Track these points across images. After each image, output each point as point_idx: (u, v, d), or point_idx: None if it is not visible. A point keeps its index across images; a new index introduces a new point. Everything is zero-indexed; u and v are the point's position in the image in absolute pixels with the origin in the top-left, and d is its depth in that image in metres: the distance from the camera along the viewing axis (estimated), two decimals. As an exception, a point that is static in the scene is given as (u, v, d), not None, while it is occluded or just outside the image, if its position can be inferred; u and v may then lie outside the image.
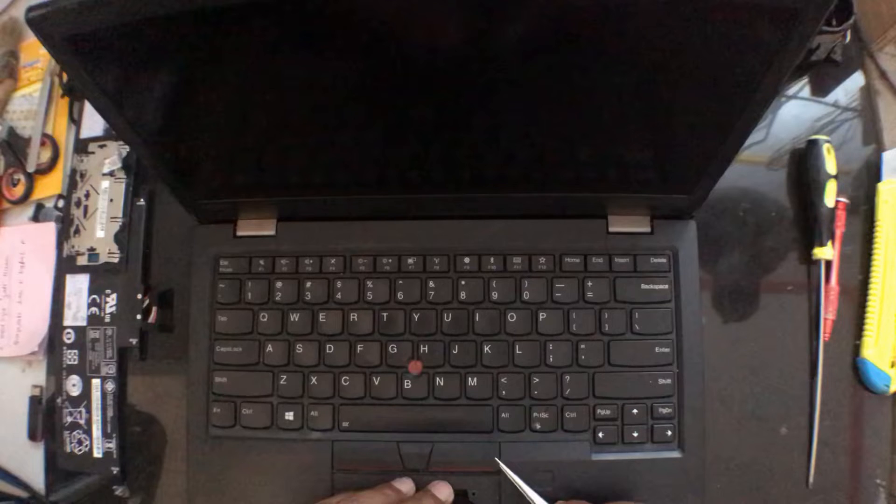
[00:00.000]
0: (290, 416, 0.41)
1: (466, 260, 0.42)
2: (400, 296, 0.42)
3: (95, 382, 0.45)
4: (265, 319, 0.42)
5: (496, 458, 0.39)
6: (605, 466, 0.40)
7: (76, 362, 0.46)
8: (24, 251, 0.49)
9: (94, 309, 0.46)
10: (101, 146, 0.48)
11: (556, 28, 0.28)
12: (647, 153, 0.37)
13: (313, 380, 0.41)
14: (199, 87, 0.32)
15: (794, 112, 0.47)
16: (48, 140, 0.50)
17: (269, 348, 0.42)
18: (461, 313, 0.42)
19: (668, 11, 0.26)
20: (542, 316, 0.41)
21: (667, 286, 0.41)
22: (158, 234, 0.47)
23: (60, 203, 0.49)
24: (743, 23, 0.27)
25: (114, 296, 0.46)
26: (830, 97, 0.47)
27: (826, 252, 0.43)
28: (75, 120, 0.50)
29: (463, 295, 0.42)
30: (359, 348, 0.41)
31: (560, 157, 0.38)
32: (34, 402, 0.46)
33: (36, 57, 0.53)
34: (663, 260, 0.42)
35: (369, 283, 0.42)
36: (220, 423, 0.42)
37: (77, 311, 0.46)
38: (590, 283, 0.41)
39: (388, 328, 0.42)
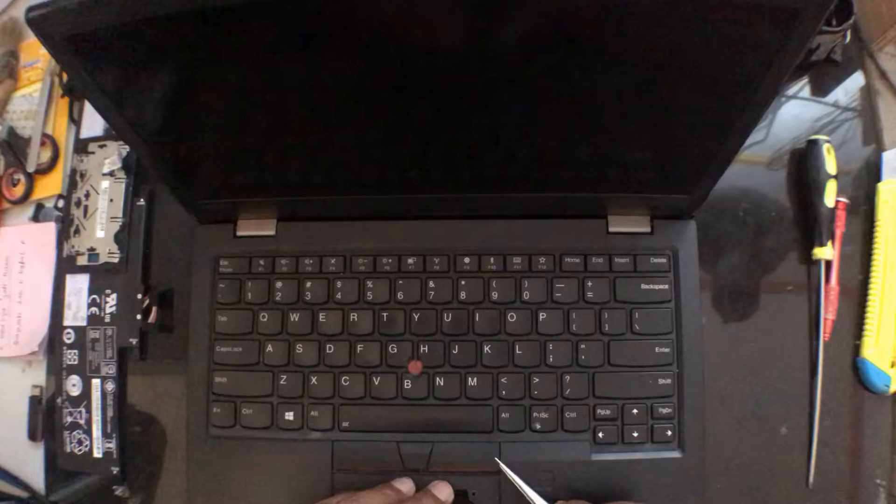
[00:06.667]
0: (290, 416, 0.41)
1: (466, 260, 0.42)
2: (400, 296, 0.42)
3: (95, 382, 0.45)
4: (265, 319, 0.42)
5: (496, 458, 0.39)
6: (605, 466, 0.40)
7: (76, 362, 0.45)
8: (24, 251, 0.49)
9: (94, 309, 0.46)
10: (101, 146, 0.48)
11: (556, 28, 0.28)
12: (646, 153, 0.37)
13: (313, 380, 0.41)
14: (199, 87, 0.32)
15: (794, 112, 0.47)
16: (48, 140, 0.50)
17: (269, 348, 0.42)
18: (461, 313, 0.42)
19: (668, 11, 0.26)
20: (542, 316, 0.41)
21: (667, 286, 0.41)
22: (158, 234, 0.47)
23: (60, 203, 0.49)
24: (743, 23, 0.27)
25: (114, 296, 0.46)
26: (830, 97, 0.47)
27: (826, 252, 0.43)
28: (75, 120, 0.50)
29: (463, 295, 0.42)
30: (359, 348, 0.41)
31: (560, 157, 0.38)
32: (34, 402, 0.46)
33: (36, 57, 0.53)
34: (663, 260, 0.42)
35: (369, 283, 0.42)
36: (220, 423, 0.42)
37: (77, 311, 0.46)
38: (590, 283, 0.41)
39: (388, 328, 0.42)
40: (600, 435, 0.40)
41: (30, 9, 0.26)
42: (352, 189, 0.41)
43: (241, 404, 0.42)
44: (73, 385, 0.45)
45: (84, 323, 0.46)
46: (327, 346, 0.42)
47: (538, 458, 0.40)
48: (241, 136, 0.36)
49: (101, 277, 0.46)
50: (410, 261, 0.42)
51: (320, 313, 0.42)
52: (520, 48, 0.29)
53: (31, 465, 0.46)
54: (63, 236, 0.48)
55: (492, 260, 0.42)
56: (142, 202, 0.47)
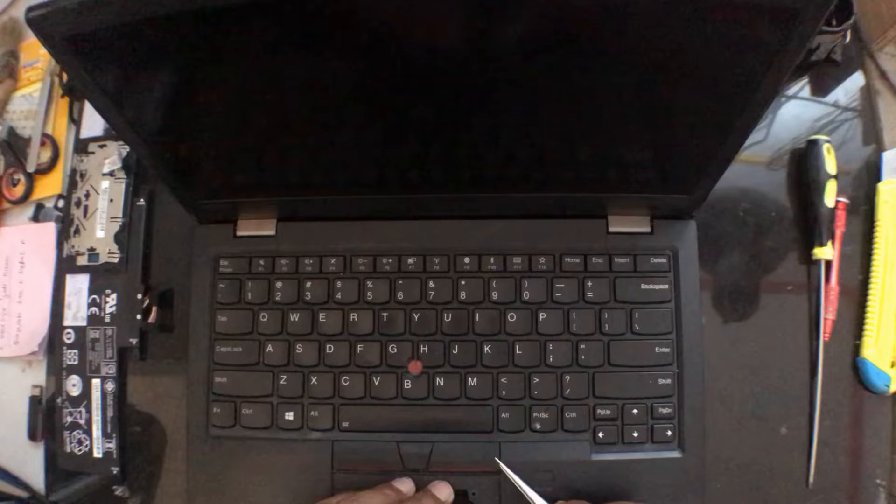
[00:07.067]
0: (290, 416, 0.41)
1: (466, 260, 0.42)
2: (400, 296, 0.42)
3: (95, 382, 0.45)
4: (265, 319, 0.42)
5: (496, 458, 0.39)
6: (605, 466, 0.40)
7: (76, 362, 0.45)
8: (24, 251, 0.49)
9: (94, 309, 0.46)
10: (101, 146, 0.48)
11: (555, 28, 0.28)
12: (646, 153, 0.37)
13: (313, 380, 0.41)
14: (199, 87, 0.32)
15: (794, 112, 0.47)
16: (48, 140, 0.50)
17: (269, 348, 0.42)
18: (461, 313, 0.42)
19: (668, 11, 0.26)
20: (542, 316, 0.41)
21: (667, 286, 0.41)
22: (158, 234, 0.47)
23: (60, 203, 0.49)
24: (743, 23, 0.27)
25: (114, 296, 0.46)
26: (830, 97, 0.47)
27: (826, 252, 0.43)
28: (75, 120, 0.50)
29: (463, 295, 0.42)
30: (359, 348, 0.41)
31: (560, 157, 0.38)
32: (34, 402, 0.46)
33: (36, 57, 0.53)
34: (663, 260, 0.42)
35: (369, 283, 0.42)
36: (220, 423, 0.42)
37: (77, 311, 0.46)
38: (590, 283, 0.41)
39: (388, 328, 0.42)
40: (600, 435, 0.40)
41: (30, 9, 0.26)
42: (352, 189, 0.41)
43: (241, 404, 0.42)
44: (73, 385, 0.45)
45: (84, 323, 0.46)
46: (327, 346, 0.42)
47: (538, 458, 0.40)
48: (242, 136, 0.36)
49: (101, 277, 0.46)
50: (410, 261, 0.42)
51: (320, 313, 0.42)
52: (520, 48, 0.29)
53: (31, 465, 0.46)
54: (63, 236, 0.48)
55: (492, 260, 0.42)
56: (142, 202, 0.47)
